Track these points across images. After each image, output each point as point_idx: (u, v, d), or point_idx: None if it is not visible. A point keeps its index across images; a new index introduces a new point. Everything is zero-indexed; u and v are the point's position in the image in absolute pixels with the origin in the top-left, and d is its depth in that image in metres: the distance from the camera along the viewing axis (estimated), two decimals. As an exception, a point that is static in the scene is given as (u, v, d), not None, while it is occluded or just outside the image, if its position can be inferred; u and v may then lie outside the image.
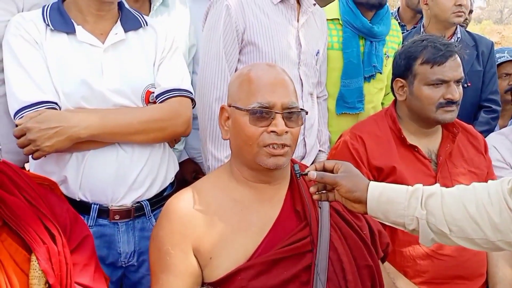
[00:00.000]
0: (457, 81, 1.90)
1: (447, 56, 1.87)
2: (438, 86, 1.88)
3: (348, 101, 2.48)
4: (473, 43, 2.90)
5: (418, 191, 1.32)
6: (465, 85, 2.77)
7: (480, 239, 1.26)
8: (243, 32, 1.97)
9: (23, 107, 1.51)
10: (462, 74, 1.91)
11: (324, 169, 1.40)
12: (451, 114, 1.90)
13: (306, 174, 1.39)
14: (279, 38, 2.00)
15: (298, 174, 1.45)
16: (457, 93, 1.88)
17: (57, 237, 1.30)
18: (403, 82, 1.96)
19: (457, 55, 1.90)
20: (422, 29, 2.96)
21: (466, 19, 3.78)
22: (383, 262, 1.67)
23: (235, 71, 2.00)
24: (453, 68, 1.88)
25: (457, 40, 2.85)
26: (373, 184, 1.35)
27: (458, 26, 2.93)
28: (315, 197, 1.42)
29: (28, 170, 1.67)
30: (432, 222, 1.29)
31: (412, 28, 3.56)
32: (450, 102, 1.88)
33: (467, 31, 3.02)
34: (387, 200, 1.32)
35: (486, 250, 1.74)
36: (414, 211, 1.30)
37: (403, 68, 1.96)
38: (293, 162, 1.59)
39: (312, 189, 1.41)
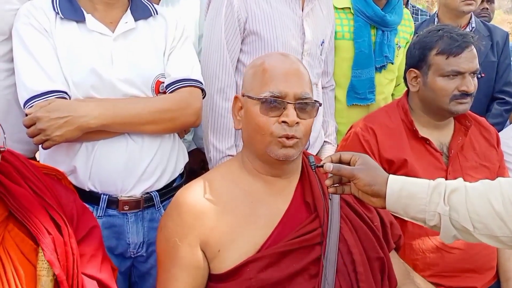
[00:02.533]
0: (473, 73, 1.86)
1: (463, 47, 1.83)
2: (453, 78, 1.85)
3: (359, 92, 2.44)
4: (487, 34, 2.86)
5: (441, 186, 1.27)
6: (479, 76, 2.72)
7: (506, 237, 1.21)
8: (245, 21, 1.94)
9: (32, 96, 1.50)
10: (478, 66, 1.88)
11: (341, 161, 1.35)
12: (464, 106, 1.87)
13: (322, 166, 1.35)
14: (282, 28, 1.97)
15: (313, 166, 1.41)
16: (472, 85, 1.84)
17: (63, 227, 1.28)
18: (417, 72, 1.93)
19: (473, 46, 1.86)
20: (435, 18, 2.92)
21: (487, 8, 3.72)
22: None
23: (238, 61, 1.99)
24: (469, 59, 1.84)
25: (471, 30, 2.80)
26: (392, 178, 1.30)
27: (472, 15, 2.88)
28: (331, 190, 1.37)
29: (38, 160, 1.66)
30: (455, 219, 1.24)
31: (425, 20, 3.50)
32: (465, 94, 1.85)
33: (481, 21, 2.97)
34: (407, 194, 1.27)
35: (510, 248, 1.71)
36: (436, 207, 1.25)
37: (417, 58, 1.92)
38: (305, 154, 1.57)
39: (327, 182, 1.36)
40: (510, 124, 2.77)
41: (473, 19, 2.86)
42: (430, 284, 1.81)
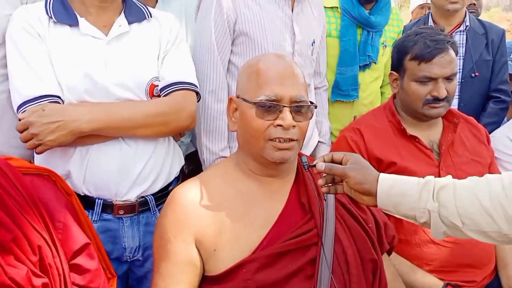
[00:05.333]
0: (448, 78, 1.88)
1: (434, 53, 1.85)
2: (425, 83, 1.88)
3: (342, 88, 2.50)
4: (483, 31, 2.83)
5: (430, 183, 1.29)
6: (473, 74, 2.74)
7: (494, 232, 1.23)
8: (235, 22, 1.95)
9: (25, 101, 1.50)
10: (454, 70, 1.90)
11: (333, 161, 1.37)
12: (437, 110, 1.91)
13: (314, 166, 1.36)
14: (272, 28, 1.98)
15: (306, 166, 1.42)
16: (444, 90, 1.87)
17: (43, 248, 1.20)
18: (396, 75, 1.98)
19: (449, 51, 1.88)
20: (430, 17, 2.92)
21: (474, 4, 3.74)
22: (389, 255, 1.66)
23: (228, 62, 2.00)
24: (442, 65, 1.86)
25: (465, 28, 2.80)
26: (383, 176, 1.33)
27: (467, 13, 2.86)
28: (324, 189, 1.39)
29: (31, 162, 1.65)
30: (444, 215, 1.26)
31: (419, 19, 3.49)
32: (437, 99, 1.88)
33: (477, 19, 2.96)
34: (397, 192, 1.30)
35: (499, 244, 1.73)
36: (426, 204, 1.27)
37: (395, 62, 1.98)
38: (299, 154, 1.58)
39: (320, 182, 1.38)
40: (506, 122, 2.76)
41: (467, 17, 2.84)
42: (431, 276, 1.83)
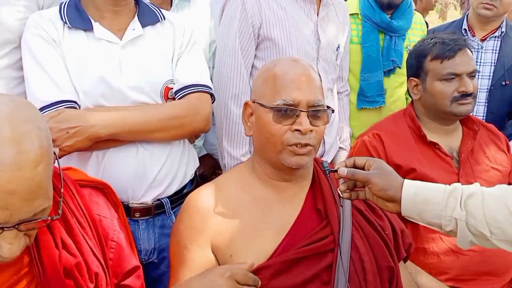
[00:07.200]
0: (470, 74, 1.88)
1: (455, 50, 1.87)
2: (450, 81, 1.88)
3: (367, 95, 2.49)
4: None
5: (457, 191, 1.24)
6: (503, 82, 2.66)
7: None
8: (260, 27, 1.93)
9: (42, 107, 1.51)
10: (475, 67, 1.90)
11: (355, 166, 1.34)
12: (466, 107, 1.89)
13: (336, 171, 1.33)
14: (297, 33, 1.96)
15: (327, 171, 1.40)
16: (470, 85, 1.86)
17: (100, 276, 1.18)
18: (417, 80, 1.97)
19: (467, 49, 1.89)
20: (465, 19, 2.84)
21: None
22: (405, 262, 1.63)
23: (252, 67, 1.98)
24: (464, 61, 1.87)
25: (501, 34, 2.73)
26: (407, 183, 1.28)
27: (505, 20, 2.77)
28: (346, 195, 1.36)
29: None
30: (472, 224, 1.21)
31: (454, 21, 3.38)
32: (465, 95, 1.86)
33: None
34: (423, 199, 1.25)
35: None
36: (453, 212, 1.22)
37: (415, 67, 1.97)
38: (317, 161, 1.56)
39: (342, 187, 1.35)
40: None
41: (504, 23, 2.74)
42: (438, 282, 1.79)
